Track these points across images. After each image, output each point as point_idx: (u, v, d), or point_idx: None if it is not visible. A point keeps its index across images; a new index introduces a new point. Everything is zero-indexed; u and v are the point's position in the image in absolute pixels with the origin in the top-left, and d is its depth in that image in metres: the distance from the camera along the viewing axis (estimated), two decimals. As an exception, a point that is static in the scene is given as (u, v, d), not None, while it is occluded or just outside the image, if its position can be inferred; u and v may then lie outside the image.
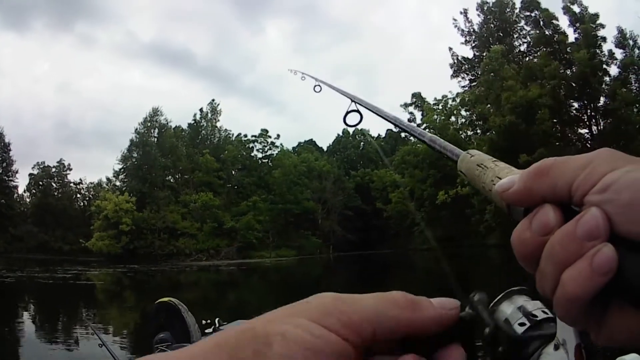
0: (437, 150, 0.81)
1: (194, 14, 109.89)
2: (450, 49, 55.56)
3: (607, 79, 42.64)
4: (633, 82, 42.00)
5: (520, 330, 0.54)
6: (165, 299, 4.81)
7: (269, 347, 0.33)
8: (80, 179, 69.53)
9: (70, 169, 68.40)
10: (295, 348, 0.33)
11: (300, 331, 0.34)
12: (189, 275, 38.99)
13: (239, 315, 6.60)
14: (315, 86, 2.01)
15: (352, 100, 1.41)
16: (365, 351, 0.37)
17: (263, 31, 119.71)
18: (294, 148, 74.30)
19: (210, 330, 4.80)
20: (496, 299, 0.57)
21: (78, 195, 69.38)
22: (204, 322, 4.89)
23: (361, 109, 1.39)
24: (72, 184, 68.71)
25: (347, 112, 1.41)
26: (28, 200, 67.29)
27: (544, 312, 0.54)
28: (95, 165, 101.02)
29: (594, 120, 44.29)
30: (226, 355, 0.33)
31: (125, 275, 37.22)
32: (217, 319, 4.96)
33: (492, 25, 52.42)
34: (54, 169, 67.28)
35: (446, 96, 55.61)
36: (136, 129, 62.50)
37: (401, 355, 0.38)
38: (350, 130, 68.99)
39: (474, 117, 51.22)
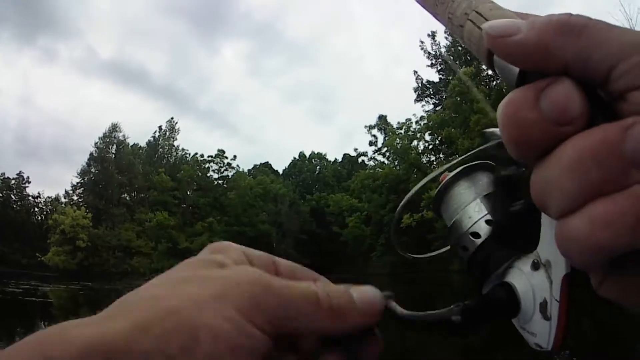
0: None
1: (152, 32, 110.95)
2: (415, 72, 55.37)
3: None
4: (606, 99, 43.18)
5: (486, 230, 0.42)
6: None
7: (197, 344, 0.30)
8: (39, 193, 69.78)
9: (29, 182, 68.72)
10: (223, 348, 0.31)
11: (230, 327, 0.32)
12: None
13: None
14: None
15: None
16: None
17: (218, 52, 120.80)
18: (249, 170, 75.25)
19: None
20: (451, 175, 0.45)
21: (36, 209, 69.66)
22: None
23: None
24: (30, 197, 68.98)
25: None
26: (-12, 211, 66.95)
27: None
28: (52, 180, 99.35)
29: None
30: (150, 345, 0.29)
31: (78, 292, 38.16)
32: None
33: (459, 48, 50.22)
34: (13, 181, 67.64)
35: (410, 119, 54.86)
36: (96, 143, 63.22)
37: (322, 354, 0.38)
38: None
39: (437, 142, 50.79)
